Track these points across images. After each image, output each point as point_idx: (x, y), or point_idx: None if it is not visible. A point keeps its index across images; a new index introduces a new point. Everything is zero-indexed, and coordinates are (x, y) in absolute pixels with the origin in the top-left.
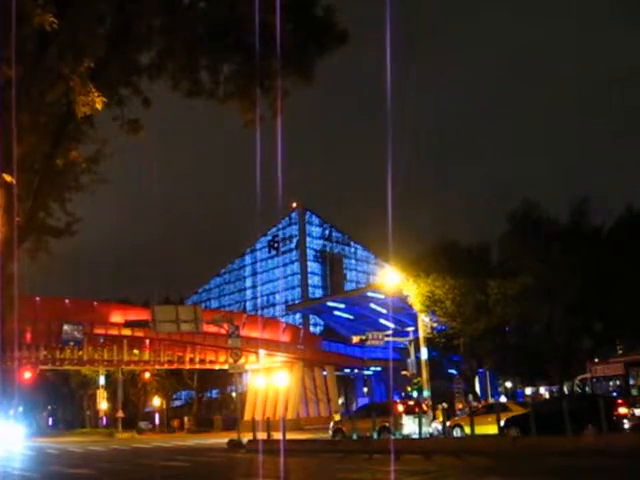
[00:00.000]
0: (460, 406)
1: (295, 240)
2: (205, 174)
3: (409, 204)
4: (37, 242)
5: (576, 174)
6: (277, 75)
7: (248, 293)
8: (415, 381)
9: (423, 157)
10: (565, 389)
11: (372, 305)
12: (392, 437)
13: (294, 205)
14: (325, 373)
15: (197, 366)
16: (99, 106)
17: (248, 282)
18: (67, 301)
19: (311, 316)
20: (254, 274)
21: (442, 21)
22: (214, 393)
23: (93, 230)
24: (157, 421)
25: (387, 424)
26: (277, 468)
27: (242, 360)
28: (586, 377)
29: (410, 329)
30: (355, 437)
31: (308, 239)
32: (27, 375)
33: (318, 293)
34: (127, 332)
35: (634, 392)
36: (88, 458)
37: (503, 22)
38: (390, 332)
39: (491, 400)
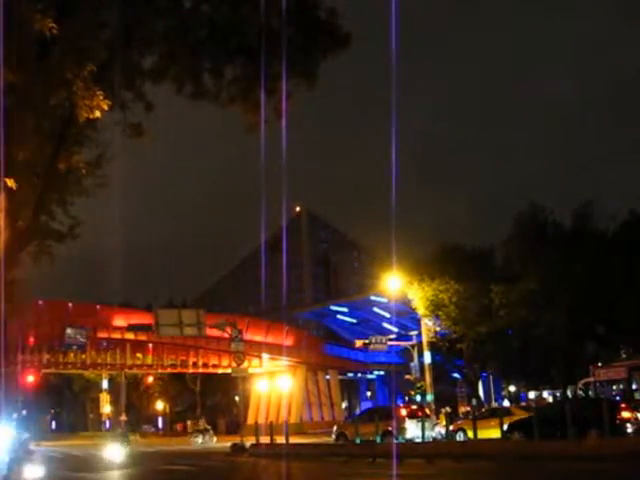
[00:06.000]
0: (463, 410)
1: (298, 244)
2: (207, 175)
3: (413, 208)
4: (40, 246)
5: (577, 177)
6: (281, 78)
7: (251, 297)
8: (418, 385)
9: (425, 159)
10: (568, 393)
11: (375, 309)
12: (395, 441)
13: (297, 209)
14: (328, 377)
15: (200, 370)
16: (105, 108)
17: (251, 285)
18: (70, 305)
19: (314, 320)
20: (257, 277)
21: (444, 22)
22: (217, 397)
23: (95, 233)
24: (160, 425)
25: (390, 428)
26: (280, 472)
27: (245, 364)
28: (589, 381)
29: (413, 333)
30: (358, 441)
31: (311, 242)
32: (30, 379)
33: (321, 297)
34: (130, 336)
35: (637, 396)
36: (91, 462)
37: (503, 23)
38: (393, 336)
39: (494, 404)
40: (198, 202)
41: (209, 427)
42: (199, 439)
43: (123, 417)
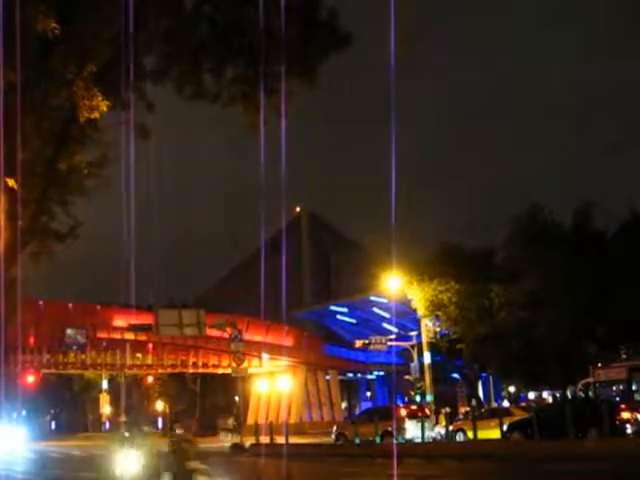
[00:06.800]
0: (463, 410)
1: (298, 244)
2: (207, 175)
3: (413, 207)
4: (40, 246)
5: (577, 177)
6: (281, 78)
7: (251, 297)
8: (418, 385)
9: (426, 159)
10: (568, 393)
11: (375, 309)
12: (395, 441)
13: (297, 209)
14: (328, 377)
15: (200, 370)
16: (104, 109)
17: (251, 286)
18: (70, 305)
19: (314, 320)
20: (257, 278)
21: (443, 22)
22: (217, 397)
23: (96, 233)
24: (160, 425)
25: (390, 428)
26: (280, 472)
27: (245, 364)
28: (589, 382)
29: (413, 333)
30: (358, 441)
31: (311, 243)
32: (30, 379)
33: (321, 297)
34: (130, 336)
35: (637, 397)
36: (91, 462)
37: (502, 27)
38: (393, 336)
39: (494, 404)
40: (198, 202)
41: (237, 426)
42: (228, 437)
43: (123, 418)
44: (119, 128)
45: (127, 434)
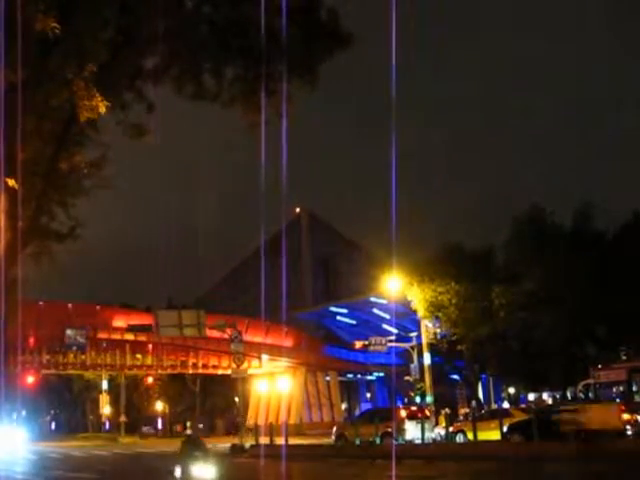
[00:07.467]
0: (463, 411)
1: (298, 244)
2: (207, 175)
3: (414, 208)
4: (40, 246)
5: (577, 178)
6: (282, 79)
7: (251, 298)
8: (418, 386)
9: (426, 159)
10: (568, 395)
11: (375, 310)
12: (394, 442)
13: (297, 210)
14: (328, 378)
15: (200, 371)
16: (102, 110)
17: (251, 286)
18: (70, 305)
19: (314, 321)
20: (257, 278)
21: (446, 23)
22: (217, 398)
23: (96, 233)
24: (160, 426)
25: (390, 429)
26: (279, 473)
27: (245, 365)
28: (589, 383)
29: (413, 334)
30: (358, 442)
31: (311, 243)
32: (30, 379)
33: (321, 298)
34: (130, 336)
35: (637, 398)
36: (91, 462)
37: (505, 30)
38: (393, 337)
39: (494, 406)
40: (198, 202)
41: (239, 426)
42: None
43: (123, 418)
44: (119, 129)
45: (190, 434)
